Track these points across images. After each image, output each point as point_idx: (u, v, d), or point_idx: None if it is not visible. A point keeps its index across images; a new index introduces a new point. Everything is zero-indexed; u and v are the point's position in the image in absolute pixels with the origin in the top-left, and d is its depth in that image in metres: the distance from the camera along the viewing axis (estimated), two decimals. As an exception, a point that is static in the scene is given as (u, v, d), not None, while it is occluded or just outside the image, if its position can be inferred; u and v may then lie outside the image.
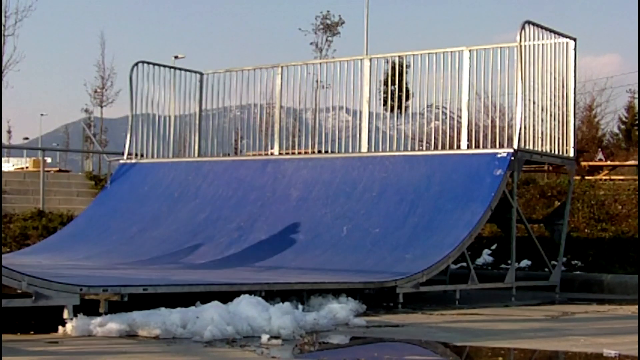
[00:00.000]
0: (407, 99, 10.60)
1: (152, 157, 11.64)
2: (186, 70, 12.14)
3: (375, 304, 7.69)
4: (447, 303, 8.32)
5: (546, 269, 10.03)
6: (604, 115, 38.91)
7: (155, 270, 8.58)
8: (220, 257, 9.28)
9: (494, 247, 11.93)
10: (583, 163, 18.90)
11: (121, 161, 11.84)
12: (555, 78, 9.88)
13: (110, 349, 4.98)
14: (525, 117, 9.33)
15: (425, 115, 11.03)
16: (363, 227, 9.04)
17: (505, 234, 10.36)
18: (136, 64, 11.56)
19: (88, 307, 5.63)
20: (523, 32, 9.25)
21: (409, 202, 9.10)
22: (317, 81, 11.57)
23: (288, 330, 5.58)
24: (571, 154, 10.07)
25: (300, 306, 6.43)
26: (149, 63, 11.66)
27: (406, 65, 10.41)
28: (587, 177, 16.73)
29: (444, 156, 9.49)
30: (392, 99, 10.49)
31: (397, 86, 10.42)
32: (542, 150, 9.67)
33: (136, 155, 11.63)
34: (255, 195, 10.16)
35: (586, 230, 12.09)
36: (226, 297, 6.08)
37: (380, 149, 10.22)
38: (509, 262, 9.53)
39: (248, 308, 5.81)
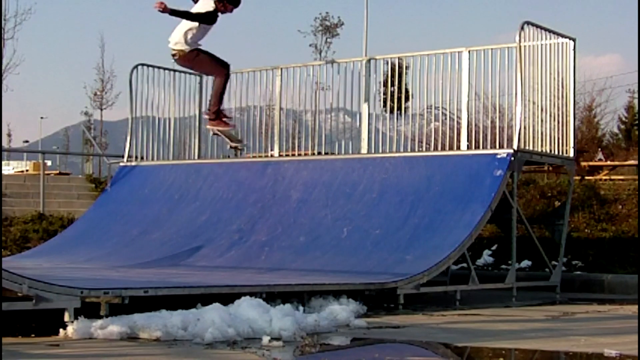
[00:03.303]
0: (406, 100, 10.60)
1: (152, 159, 11.65)
2: (186, 72, 12.14)
3: (376, 305, 7.69)
4: (448, 304, 8.33)
5: (547, 269, 10.04)
6: (603, 115, 38.93)
7: (155, 272, 8.58)
8: (220, 259, 9.28)
9: (494, 247, 11.93)
10: (583, 163, 18.90)
11: (121, 164, 11.84)
12: (554, 78, 9.88)
13: (111, 352, 4.99)
14: (525, 117, 9.33)
15: (425, 116, 11.03)
16: (363, 228, 9.04)
17: (505, 235, 10.37)
18: (136, 67, 11.56)
19: (89, 310, 5.63)
20: (522, 32, 9.25)
21: (409, 203, 9.10)
22: (316, 83, 11.58)
23: (289, 331, 5.58)
24: (571, 154, 10.08)
25: (301, 308, 6.43)
26: (148, 65, 11.67)
27: (405, 67, 10.41)
28: (587, 177, 16.73)
29: (443, 157, 9.50)
30: (392, 100, 10.49)
31: (396, 87, 10.42)
32: (542, 150, 9.68)
33: (136, 157, 11.63)
34: (255, 197, 10.16)
35: (586, 230, 12.09)
36: (227, 299, 6.09)
37: (380, 150, 10.23)
38: (510, 262, 9.53)
39: (249, 310, 5.81)
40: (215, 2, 9.58)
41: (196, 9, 9.49)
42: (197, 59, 9.62)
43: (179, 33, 9.49)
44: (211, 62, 9.68)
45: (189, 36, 9.42)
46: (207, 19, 9.43)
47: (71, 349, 5.06)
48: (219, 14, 9.63)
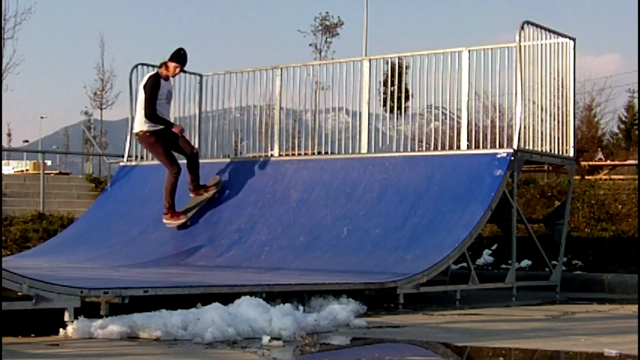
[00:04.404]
0: (406, 99, 10.60)
1: (152, 159, 11.62)
2: (186, 72, 12.11)
3: (375, 304, 7.70)
4: (448, 303, 8.33)
5: (547, 269, 10.04)
6: (603, 115, 38.99)
7: (155, 272, 8.58)
8: (220, 258, 9.28)
9: (494, 247, 11.94)
10: (583, 163, 18.94)
11: (121, 163, 11.84)
12: (554, 78, 9.88)
13: (111, 351, 4.99)
14: (525, 117, 9.33)
15: (425, 116, 11.03)
16: (363, 228, 9.04)
17: (505, 234, 10.37)
18: (136, 66, 11.55)
19: (89, 310, 5.63)
20: (522, 32, 9.25)
21: (409, 203, 9.10)
22: (316, 82, 11.58)
23: (289, 331, 5.58)
24: (571, 153, 10.08)
25: (300, 307, 6.43)
26: (148, 65, 11.65)
27: (405, 66, 10.41)
28: (587, 177, 16.76)
29: (443, 157, 9.50)
30: (392, 100, 10.49)
31: (396, 87, 10.42)
32: (542, 150, 9.68)
33: (136, 157, 11.62)
34: (255, 196, 10.16)
35: (586, 230, 12.09)
36: (227, 298, 6.09)
37: (381, 150, 10.23)
38: (510, 262, 9.53)
39: (249, 309, 5.81)
40: (157, 70, 9.83)
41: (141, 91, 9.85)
42: (154, 145, 9.86)
43: (139, 115, 9.84)
44: (165, 155, 9.90)
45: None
46: (152, 94, 9.66)
47: (71, 349, 5.06)
48: (169, 78, 9.91)
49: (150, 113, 9.62)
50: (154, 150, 9.97)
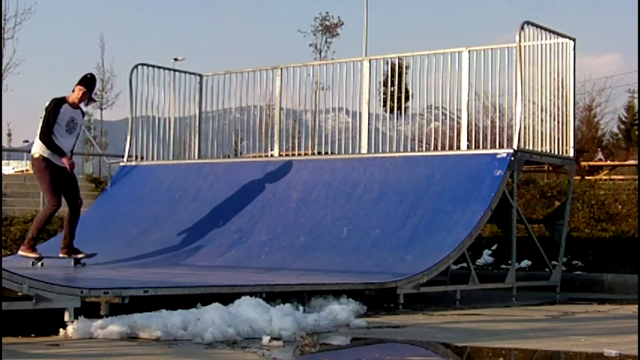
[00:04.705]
0: (406, 100, 10.61)
1: (152, 159, 11.65)
2: (186, 72, 12.15)
3: (376, 305, 7.70)
4: (448, 303, 8.33)
5: (547, 269, 10.04)
6: (603, 115, 39.02)
7: (155, 272, 8.58)
8: (220, 258, 9.28)
9: (494, 247, 11.93)
10: (583, 163, 18.93)
11: (121, 164, 11.84)
12: (554, 78, 9.89)
13: (111, 351, 4.99)
14: (524, 117, 9.34)
15: (425, 116, 11.03)
16: (363, 228, 9.04)
17: (505, 234, 10.37)
18: (136, 67, 11.56)
19: (89, 310, 5.63)
20: (522, 32, 9.26)
21: (409, 203, 9.10)
22: (316, 82, 11.58)
23: (289, 331, 5.58)
24: (571, 154, 10.08)
25: (301, 307, 6.43)
26: (148, 65, 11.66)
27: (405, 66, 10.41)
28: (587, 177, 16.76)
29: (443, 157, 9.50)
30: (392, 100, 10.49)
31: (396, 87, 10.42)
32: (542, 150, 9.68)
33: (136, 157, 11.63)
34: (255, 197, 10.15)
35: (586, 230, 12.09)
36: (227, 298, 6.09)
37: (380, 150, 10.23)
38: (510, 262, 9.53)
39: (249, 310, 5.81)
40: (66, 97, 9.01)
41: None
42: (43, 171, 8.89)
43: (36, 137, 9.05)
44: (50, 185, 8.88)
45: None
46: (49, 117, 8.85)
47: (71, 349, 5.06)
48: (78, 106, 8.99)
49: (45, 136, 8.78)
50: (41, 176, 8.93)
